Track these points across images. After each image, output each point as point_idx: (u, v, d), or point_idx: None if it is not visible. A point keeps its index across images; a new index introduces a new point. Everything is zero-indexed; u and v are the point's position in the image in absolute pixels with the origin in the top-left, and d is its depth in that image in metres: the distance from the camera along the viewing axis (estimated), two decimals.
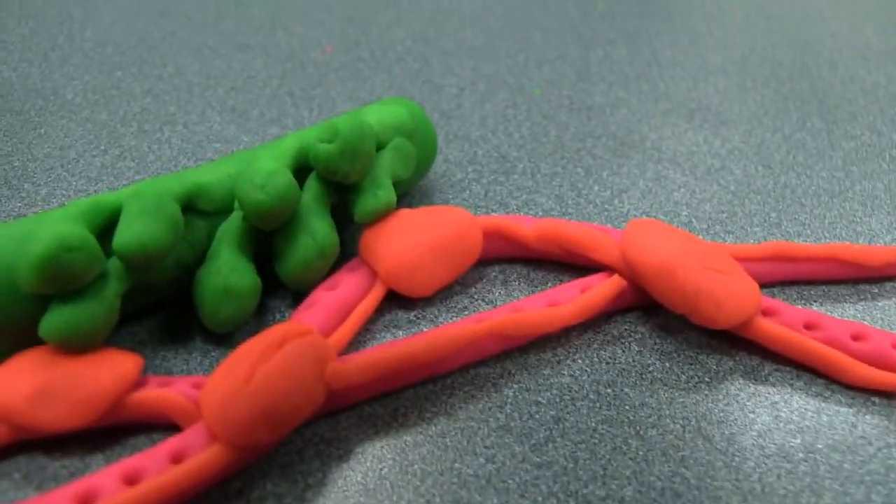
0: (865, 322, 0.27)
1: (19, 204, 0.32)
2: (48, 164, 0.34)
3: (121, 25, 0.48)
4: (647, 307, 0.27)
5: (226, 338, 0.25)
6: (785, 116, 0.40)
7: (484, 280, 0.28)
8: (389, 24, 0.48)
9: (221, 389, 0.20)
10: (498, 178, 0.33)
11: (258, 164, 0.24)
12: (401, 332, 0.25)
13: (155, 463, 0.19)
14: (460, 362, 0.24)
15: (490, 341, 0.24)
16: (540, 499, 0.20)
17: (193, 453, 0.20)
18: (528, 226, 0.28)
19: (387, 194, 0.26)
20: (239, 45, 0.45)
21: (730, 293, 0.25)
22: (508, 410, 0.23)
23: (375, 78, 0.41)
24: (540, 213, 0.31)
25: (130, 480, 0.19)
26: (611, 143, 0.36)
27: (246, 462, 0.20)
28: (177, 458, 0.20)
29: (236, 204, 0.25)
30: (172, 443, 0.20)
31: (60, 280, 0.21)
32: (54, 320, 0.21)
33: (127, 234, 0.22)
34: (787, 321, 0.26)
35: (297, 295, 0.26)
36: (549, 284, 0.28)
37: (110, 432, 0.22)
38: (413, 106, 0.30)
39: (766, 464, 0.22)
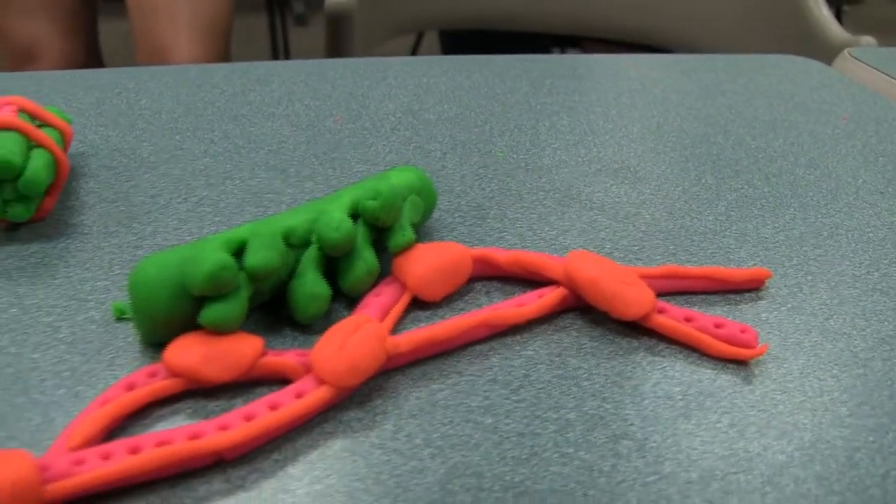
0: (728, 318, 0.41)
1: (133, 238, 0.44)
2: (145, 209, 0.47)
3: (168, 95, 0.61)
4: (582, 308, 0.40)
5: (307, 328, 0.38)
6: (685, 174, 0.54)
7: (473, 291, 0.41)
8: (382, 98, 0.61)
9: (326, 353, 0.33)
10: (476, 221, 0.47)
11: (330, 213, 0.37)
12: (421, 323, 0.38)
13: (286, 398, 0.32)
14: (464, 341, 0.37)
15: (482, 329, 0.37)
16: (517, 419, 0.34)
17: (309, 392, 0.33)
18: (502, 255, 0.41)
19: (409, 234, 0.40)
20: (267, 114, 0.58)
21: (634, 297, 0.39)
22: (495, 370, 0.36)
23: (378, 144, 0.55)
24: (507, 247, 0.45)
25: (273, 407, 0.32)
26: (556, 195, 0.50)
27: (339, 398, 0.34)
28: (299, 395, 0.33)
29: (314, 239, 0.38)
30: (295, 386, 0.33)
31: (217, 287, 0.34)
32: (210, 313, 0.34)
33: (255, 259, 0.35)
34: (673, 316, 0.39)
35: (350, 301, 0.39)
36: (517, 293, 0.41)
37: (244, 385, 0.35)
38: (420, 171, 0.43)
39: (657, 401, 0.35)
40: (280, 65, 0.66)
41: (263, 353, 0.34)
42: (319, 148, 0.54)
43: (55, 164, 0.45)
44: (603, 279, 0.38)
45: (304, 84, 0.63)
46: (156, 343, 0.36)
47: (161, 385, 0.33)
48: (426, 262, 0.39)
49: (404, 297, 0.38)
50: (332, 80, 0.64)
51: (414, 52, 2.26)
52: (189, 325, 0.35)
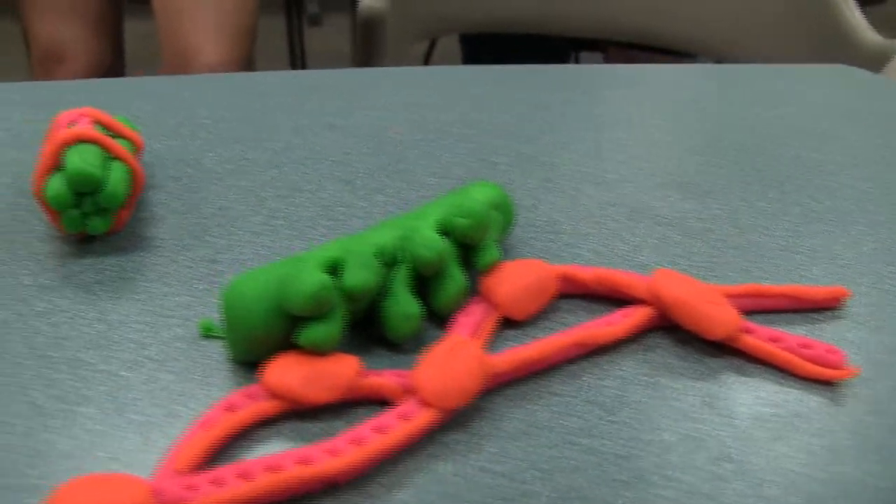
0: (810, 337, 0.41)
1: (208, 251, 0.44)
2: (216, 221, 0.47)
3: (225, 104, 0.61)
4: (666, 326, 0.40)
5: (398, 346, 0.38)
6: (748, 188, 0.54)
7: (558, 309, 0.41)
8: (439, 108, 0.61)
9: (430, 374, 0.33)
10: (551, 237, 0.47)
11: (422, 232, 0.37)
12: (510, 343, 0.39)
13: (392, 421, 0.32)
14: (557, 361, 0.37)
15: (574, 349, 0.37)
16: (616, 441, 0.34)
17: (415, 415, 0.33)
18: (585, 272, 0.41)
19: (496, 253, 0.40)
20: (326, 124, 0.58)
21: (721, 317, 0.39)
22: (590, 391, 0.36)
23: (443, 156, 0.55)
24: (584, 263, 0.45)
25: (380, 431, 0.32)
26: (625, 210, 0.50)
27: (442, 421, 0.34)
28: (404, 418, 0.33)
29: (404, 257, 0.38)
30: (400, 409, 0.33)
31: (317, 308, 0.34)
32: (309, 334, 0.34)
33: (353, 279, 0.35)
34: (760, 336, 0.39)
35: (440, 320, 0.39)
36: (599, 311, 0.41)
37: (342, 405, 0.35)
38: (499, 187, 0.43)
39: (750, 423, 0.35)
40: (333, 74, 0.66)
41: (362, 374, 0.34)
42: (384, 159, 0.54)
43: (132, 177, 0.45)
44: (690, 299, 0.38)
45: (360, 94, 0.63)
46: (248, 361, 0.36)
47: (261, 407, 0.33)
48: (513, 281, 0.39)
49: (493, 316, 0.38)
50: (387, 89, 0.64)
51: (429, 54, 2.27)
52: (283, 344, 0.35)
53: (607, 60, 1.67)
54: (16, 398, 0.35)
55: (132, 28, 1.50)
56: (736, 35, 1.25)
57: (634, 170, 0.54)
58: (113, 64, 1.44)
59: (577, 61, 1.84)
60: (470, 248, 0.40)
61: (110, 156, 0.45)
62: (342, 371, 0.34)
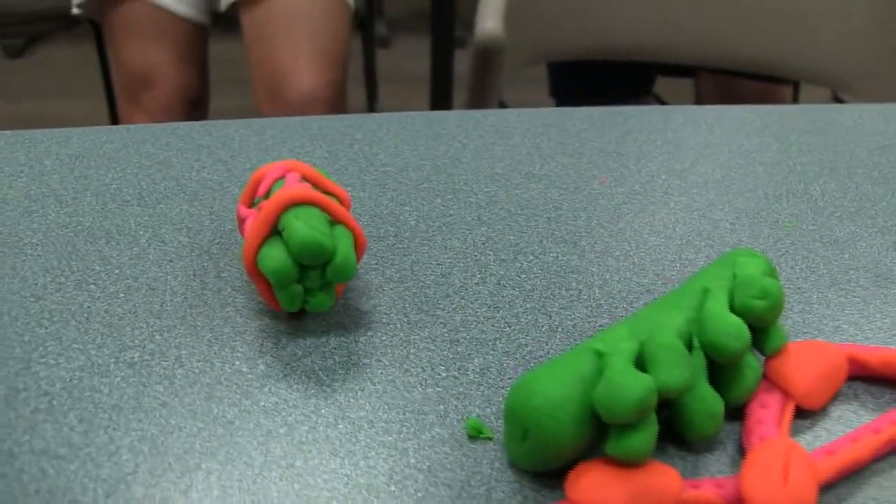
0: None
1: (444, 329, 0.41)
2: (442, 292, 0.44)
3: (404, 147, 0.59)
4: None
5: (690, 445, 0.35)
6: None
7: (841, 395, 0.39)
8: (636, 156, 0.59)
9: (768, 489, 0.31)
10: (803, 307, 0.44)
11: (724, 317, 0.35)
12: (805, 435, 0.36)
13: None
14: (871, 461, 0.35)
15: (887, 445, 0.35)
16: None
17: None
18: (870, 354, 0.39)
19: (784, 335, 0.37)
20: (525, 174, 0.56)
21: None
22: None
23: (659, 212, 0.52)
24: (845, 337, 0.42)
25: None
26: (868, 275, 0.47)
27: None
28: None
29: (698, 343, 0.35)
30: None
31: (642, 415, 0.31)
32: (626, 444, 0.31)
33: (671, 379, 0.32)
34: None
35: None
36: (881, 395, 0.39)
37: None
38: (764, 257, 0.40)
39: None
40: (511, 114, 0.64)
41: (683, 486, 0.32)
42: (600, 216, 0.52)
43: (357, 244, 0.41)
44: None
45: (546, 137, 0.61)
46: (532, 468, 0.34)
47: None
48: (807, 368, 0.37)
49: (789, 407, 0.36)
50: (574, 133, 0.62)
51: None
52: (582, 451, 0.33)
53: (697, 86, 1.64)
54: None
55: (211, 52, 1.50)
56: (837, 62, 1.22)
57: (860, 227, 0.52)
58: (199, 89, 1.45)
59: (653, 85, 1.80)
60: (755, 328, 0.37)
61: (333, 220, 0.40)
62: (666, 485, 0.31)
